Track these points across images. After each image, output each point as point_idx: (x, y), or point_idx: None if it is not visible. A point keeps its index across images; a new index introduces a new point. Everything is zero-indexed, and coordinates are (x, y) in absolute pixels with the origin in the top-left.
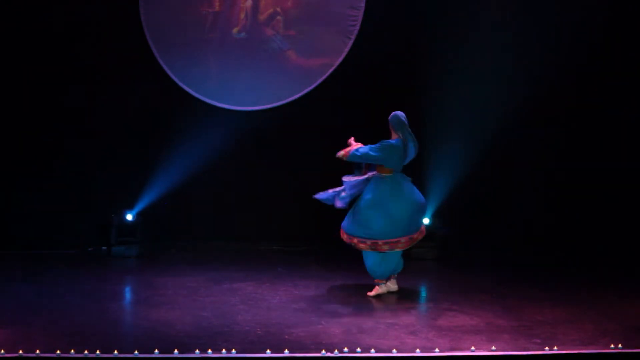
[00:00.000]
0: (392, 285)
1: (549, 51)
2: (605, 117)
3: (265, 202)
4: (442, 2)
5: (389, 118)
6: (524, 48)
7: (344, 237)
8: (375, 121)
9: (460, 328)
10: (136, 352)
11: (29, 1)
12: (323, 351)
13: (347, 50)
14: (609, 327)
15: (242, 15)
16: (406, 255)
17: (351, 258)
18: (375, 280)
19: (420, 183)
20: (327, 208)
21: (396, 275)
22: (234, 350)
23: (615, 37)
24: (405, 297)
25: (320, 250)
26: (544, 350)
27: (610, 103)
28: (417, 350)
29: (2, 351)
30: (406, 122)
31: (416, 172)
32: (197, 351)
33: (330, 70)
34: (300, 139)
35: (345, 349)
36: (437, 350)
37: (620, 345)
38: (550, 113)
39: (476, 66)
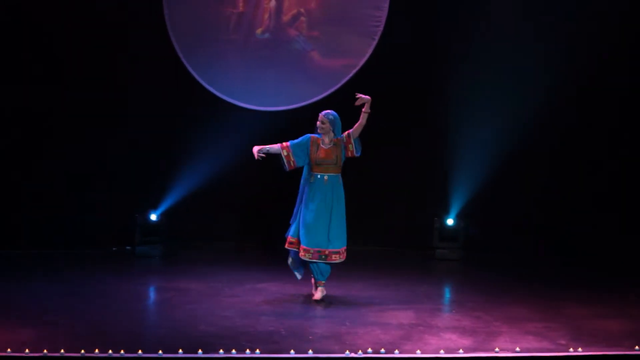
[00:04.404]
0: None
1: (574, 50)
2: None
3: (290, 203)
4: (466, 2)
5: (335, 116)
6: (550, 48)
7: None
8: (399, 121)
9: (484, 329)
10: (160, 351)
11: (56, 6)
12: (347, 352)
13: (370, 51)
14: (635, 328)
15: (266, 16)
16: (431, 255)
17: (377, 260)
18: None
19: (444, 184)
20: (358, 210)
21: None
22: (257, 351)
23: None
24: (429, 298)
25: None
26: (568, 351)
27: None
28: (441, 351)
29: (27, 350)
30: None
31: (439, 173)
32: (221, 351)
33: (354, 71)
34: None
35: (369, 350)
36: (461, 351)
37: None
38: (579, 111)
39: (502, 66)
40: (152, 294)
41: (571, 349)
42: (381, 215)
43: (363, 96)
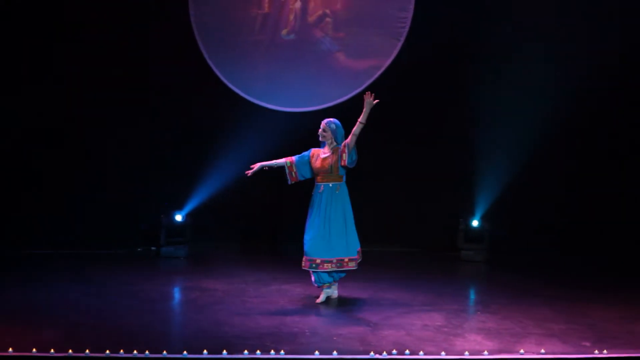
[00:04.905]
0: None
1: (600, 51)
2: None
3: None
4: (492, 5)
5: (337, 125)
6: (575, 48)
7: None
8: (424, 122)
9: (509, 330)
10: (185, 352)
11: (80, 6)
12: (371, 353)
13: (396, 52)
14: None
15: (291, 17)
16: (456, 257)
17: (402, 261)
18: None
19: (469, 185)
20: (383, 212)
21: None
22: (282, 352)
23: None
24: (454, 299)
25: (369, 252)
26: (593, 353)
27: None
28: (466, 352)
29: (52, 350)
30: None
31: (464, 174)
32: (245, 352)
33: (380, 72)
34: None
35: (394, 351)
36: (485, 352)
37: None
38: (604, 112)
39: (526, 68)
40: (177, 295)
41: (596, 351)
42: (406, 217)
43: (369, 100)
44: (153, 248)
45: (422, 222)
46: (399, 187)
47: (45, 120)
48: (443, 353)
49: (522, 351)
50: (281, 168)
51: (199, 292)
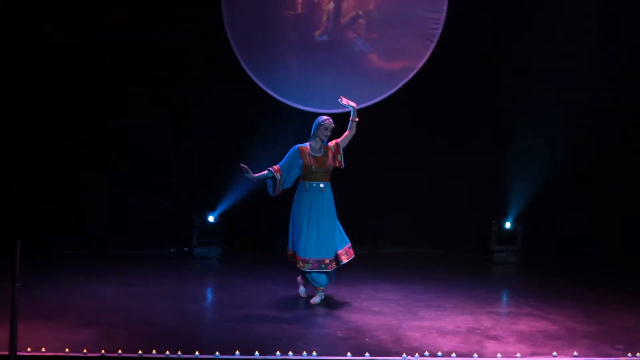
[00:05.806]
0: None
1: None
2: None
3: (347, 205)
4: (526, 4)
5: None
6: (610, 51)
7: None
8: (457, 124)
9: (541, 333)
10: (217, 353)
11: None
12: (404, 354)
13: (429, 53)
14: None
15: (324, 18)
16: (489, 259)
17: (435, 263)
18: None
19: (502, 187)
20: (416, 214)
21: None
22: (314, 353)
23: None
24: (486, 301)
25: (398, 254)
26: (626, 356)
27: None
28: (498, 355)
29: (85, 351)
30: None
31: (497, 176)
32: (277, 353)
33: (412, 74)
34: (381, 142)
35: (426, 353)
36: (518, 355)
37: None
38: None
39: (562, 68)
40: (209, 295)
41: (629, 354)
42: (439, 219)
43: (350, 102)
44: (185, 249)
45: (454, 223)
46: (432, 188)
47: (77, 122)
48: (475, 355)
49: (554, 354)
50: (262, 181)
51: (231, 293)
